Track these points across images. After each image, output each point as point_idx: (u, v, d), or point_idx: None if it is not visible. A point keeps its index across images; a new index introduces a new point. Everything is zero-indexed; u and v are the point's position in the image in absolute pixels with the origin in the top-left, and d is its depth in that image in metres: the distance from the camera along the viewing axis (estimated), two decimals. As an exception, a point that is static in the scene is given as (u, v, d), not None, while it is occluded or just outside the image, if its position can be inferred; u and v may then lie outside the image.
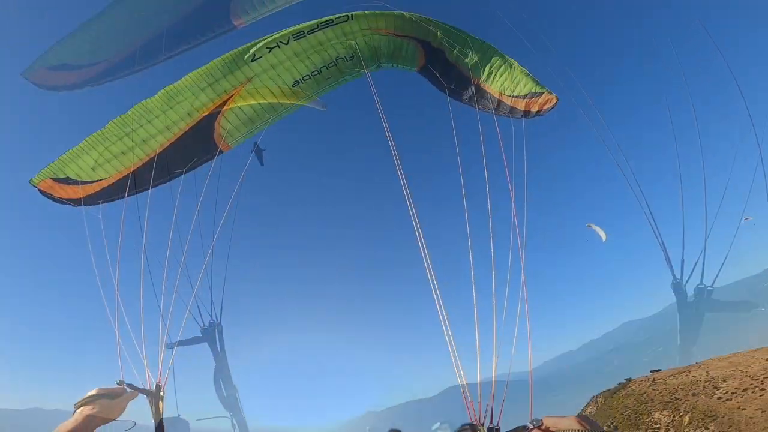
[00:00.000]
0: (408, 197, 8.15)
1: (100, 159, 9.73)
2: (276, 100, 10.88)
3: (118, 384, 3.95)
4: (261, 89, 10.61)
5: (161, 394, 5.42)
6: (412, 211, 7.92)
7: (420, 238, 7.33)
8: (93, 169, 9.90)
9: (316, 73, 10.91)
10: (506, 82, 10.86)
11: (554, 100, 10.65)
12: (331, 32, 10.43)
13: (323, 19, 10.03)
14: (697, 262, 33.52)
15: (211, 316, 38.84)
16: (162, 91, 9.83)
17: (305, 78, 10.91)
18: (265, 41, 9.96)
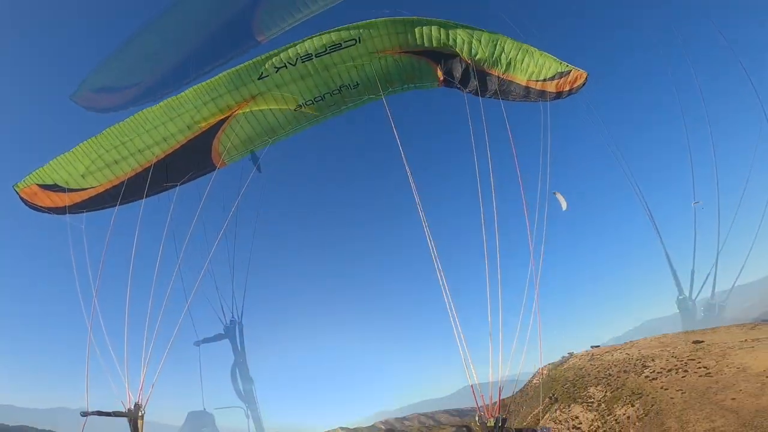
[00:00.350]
0: (418, 203, 9.43)
1: (92, 167, 9.22)
2: (276, 121, 10.57)
3: (82, 415, 4.10)
4: (264, 108, 10.20)
5: (141, 413, 5.35)
6: (421, 213, 9.09)
7: (429, 239, 8.47)
8: (83, 176, 9.32)
9: (320, 99, 10.67)
10: (530, 68, 10.64)
11: (584, 76, 10.62)
12: (337, 56, 10.04)
13: (332, 35, 9.67)
14: (708, 275, 29.13)
15: (233, 315, 40.69)
16: (164, 102, 9.47)
17: (308, 103, 10.66)
18: (273, 60, 9.59)
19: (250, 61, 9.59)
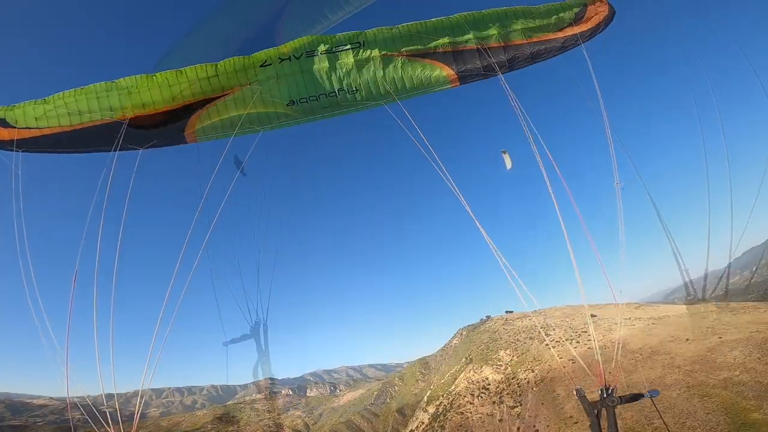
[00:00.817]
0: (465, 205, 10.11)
1: (51, 113, 8.95)
2: (265, 112, 10.27)
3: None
4: (256, 96, 9.93)
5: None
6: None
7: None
8: (36, 118, 8.98)
9: (314, 98, 10.32)
10: (545, 22, 10.59)
11: (605, 10, 10.48)
12: (344, 56, 9.86)
13: (339, 36, 9.62)
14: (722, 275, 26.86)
15: (258, 315, 46.27)
16: (162, 73, 9.23)
17: (302, 100, 10.32)
18: (281, 50, 9.59)
19: (256, 54, 9.49)
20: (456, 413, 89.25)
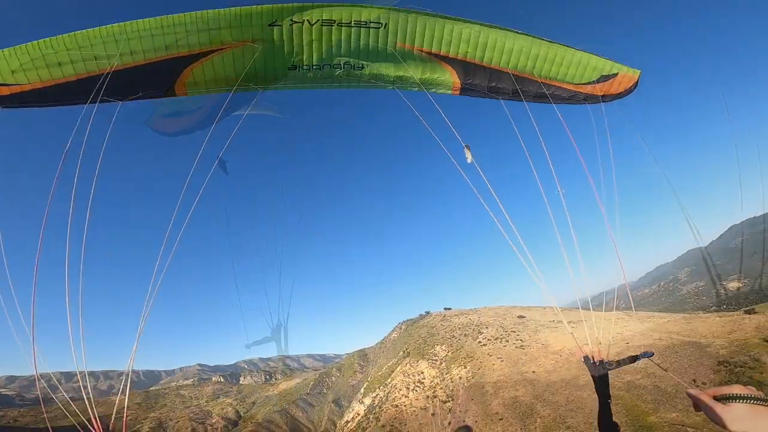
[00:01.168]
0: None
1: (28, 65, 8.09)
2: (263, 73, 9.66)
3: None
4: (257, 55, 9.21)
5: None
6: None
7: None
8: (13, 72, 8.09)
9: (317, 68, 9.83)
10: (569, 71, 10.15)
11: (634, 78, 10.19)
12: (362, 34, 9.42)
13: (363, 11, 9.09)
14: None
15: (278, 319, 44.91)
16: (156, 18, 8.40)
17: (304, 67, 9.79)
18: (294, 14, 8.91)
19: (266, 6, 8.65)
20: (391, 406, 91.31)
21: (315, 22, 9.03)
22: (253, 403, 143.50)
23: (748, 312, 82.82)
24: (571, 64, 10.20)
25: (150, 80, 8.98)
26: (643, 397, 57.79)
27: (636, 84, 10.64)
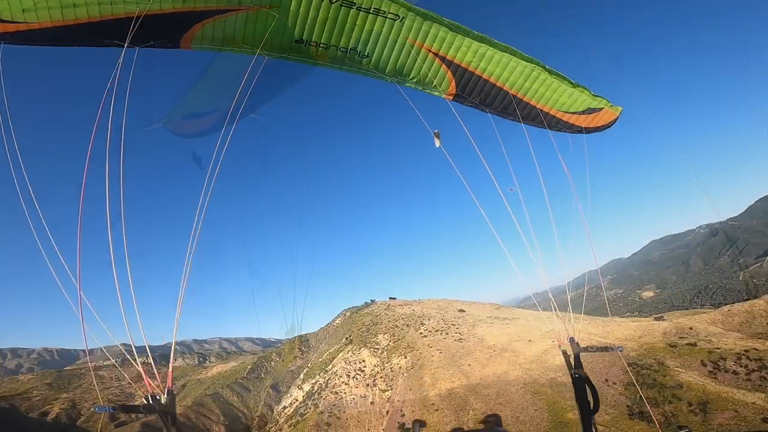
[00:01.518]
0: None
1: (41, 3, 7.68)
2: (269, 40, 9.54)
3: (113, 410, 4.01)
4: (269, 22, 9.16)
5: (172, 404, 4.93)
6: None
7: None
8: (24, 10, 7.69)
9: (324, 47, 9.80)
10: (560, 99, 10.50)
11: (615, 115, 10.61)
12: (376, 20, 9.39)
13: (383, 1, 9.10)
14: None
15: (293, 320, 44.20)
16: None
17: (312, 43, 9.73)
18: None
19: None
20: (331, 392, 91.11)
21: (336, 0, 9.11)
22: (183, 386, 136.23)
23: (657, 319, 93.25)
24: (564, 92, 10.74)
25: (158, 29, 8.97)
26: (563, 394, 62.39)
27: (616, 120, 11.25)
